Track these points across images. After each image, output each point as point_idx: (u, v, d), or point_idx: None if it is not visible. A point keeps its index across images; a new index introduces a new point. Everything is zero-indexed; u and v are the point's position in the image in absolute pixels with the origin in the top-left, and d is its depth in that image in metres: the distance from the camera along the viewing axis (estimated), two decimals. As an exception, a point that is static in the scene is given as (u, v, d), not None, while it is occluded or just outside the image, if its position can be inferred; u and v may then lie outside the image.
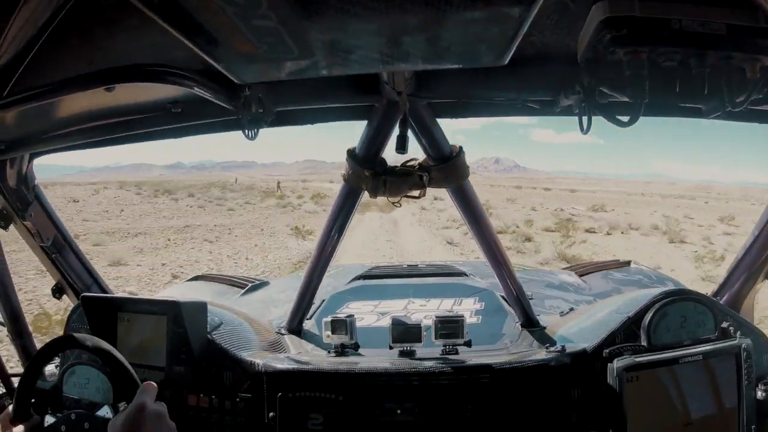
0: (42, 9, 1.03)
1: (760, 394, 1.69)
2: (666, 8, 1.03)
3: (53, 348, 1.51)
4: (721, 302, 1.99)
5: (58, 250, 2.14)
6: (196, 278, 3.27)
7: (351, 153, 1.70)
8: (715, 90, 1.17)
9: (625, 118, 1.23)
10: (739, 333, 1.74)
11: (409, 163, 1.69)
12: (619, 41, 1.04)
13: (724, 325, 1.74)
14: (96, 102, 1.57)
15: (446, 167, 1.68)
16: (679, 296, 1.74)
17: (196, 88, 1.35)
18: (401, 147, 1.54)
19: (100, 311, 1.84)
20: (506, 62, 1.08)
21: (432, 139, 1.64)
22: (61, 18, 0.99)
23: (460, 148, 1.70)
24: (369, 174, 1.66)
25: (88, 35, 1.18)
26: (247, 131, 1.55)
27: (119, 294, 2.21)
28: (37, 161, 1.98)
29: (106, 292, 2.29)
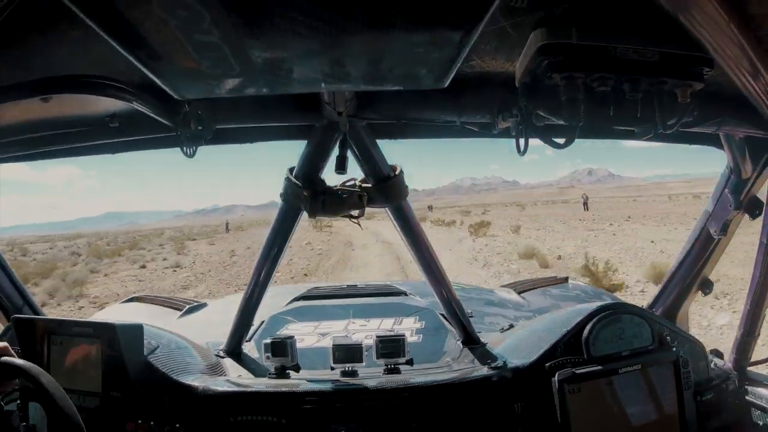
0: None
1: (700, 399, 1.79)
2: (602, 36, 1.08)
3: None
4: (657, 313, 2.09)
5: None
6: (131, 299, 3.11)
7: (290, 172, 1.69)
8: (647, 113, 1.23)
9: (561, 140, 1.28)
10: (675, 342, 1.83)
11: (348, 183, 1.69)
12: (556, 67, 1.08)
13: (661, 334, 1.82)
14: (30, 113, 1.49)
15: (385, 187, 1.69)
16: (616, 309, 1.80)
17: (134, 103, 1.31)
18: (341, 167, 1.55)
19: (32, 334, 1.73)
20: (446, 85, 1.10)
21: (371, 160, 1.66)
22: None
23: (400, 168, 1.72)
24: (307, 194, 1.64)
25: (25, 42, 1.12)
26: (185, 148, 1.51)
27: (51, 316, 2.08)
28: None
29: (38, 315, 2.15)
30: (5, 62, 1.18)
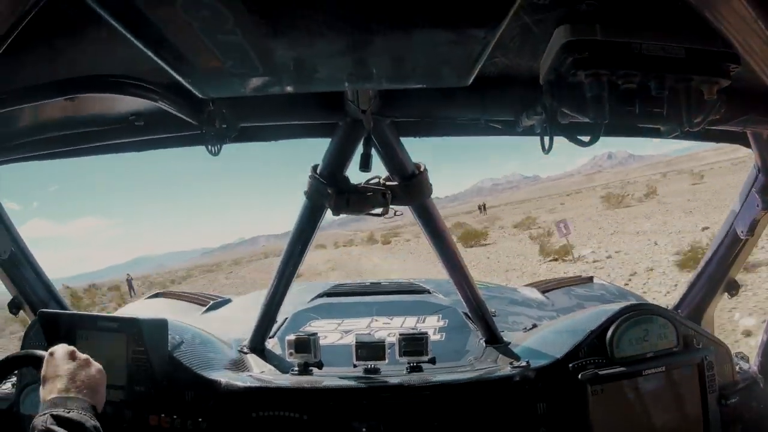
0: (4, 15, 1.00)
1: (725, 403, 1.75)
2: (627, 32, 1.06)
3: (8, 365, 1.44)
4: (682, 315, 2.05)
5: (16, 265, 2.06)
6: (156, 295, 3.16)
7: (314, 170, 1.69)
8: (673, 111, 1.21)
9: (586, 138, 1.26)
10: (701, 344, 1.79)
11: (372, 181, 1.69)
12: (581, 64, 1.07)
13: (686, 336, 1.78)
14: (56, 112, 1.52)
15: (409, 185, 1.69)
16: (641, 310, 1.78)
17: (159, 102, 1.32)
18: (365, 165, 1.54)
19: (58, 328, 1.77)
20: (470, 83, 1.10)
21: (395, 158, 1.65)
22: (25, 25, 0.97)
23: (424, 166, 1.72)
24: (332, 191, 1.65)
25: (52, 44, 1.15)
26: (210, 147, 1.53)
27: (78, 311, 2.13)
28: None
29: (65, 309, 2.20)
30: (32, 63, 1.20)
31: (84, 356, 1.35)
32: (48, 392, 1.23)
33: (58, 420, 1.13)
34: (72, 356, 1.32)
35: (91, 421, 1.17)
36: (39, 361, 1.36)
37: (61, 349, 1.33)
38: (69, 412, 1.16)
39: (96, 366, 1.35)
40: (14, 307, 2.18)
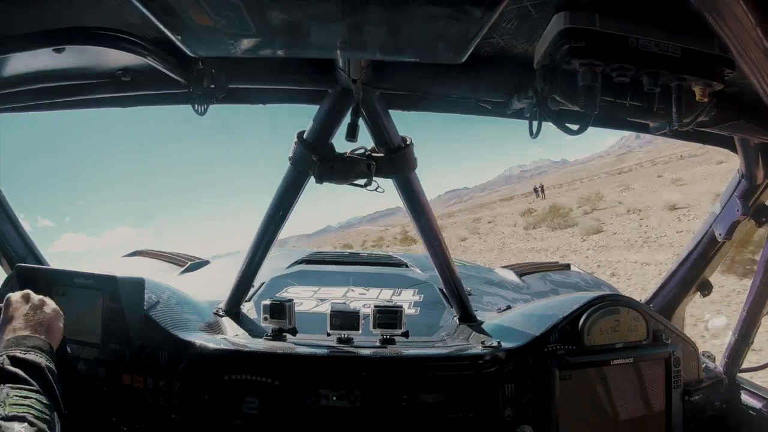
0: None
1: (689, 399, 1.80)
2: (625, 26, 1.07)
3: None
4: (654, 309, 2.10)
5: None
6: (135, 253, 3.13)
7: (300, 136, 1.68)
8: (663, 108, 1.22)
9: (574, 127, 1.27)
10: (669, 340, 1.84)
11: (357, 152, 1.68)
12: (576, 53, 1.07)
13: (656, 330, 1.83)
14: (43, 63, 1.48)
15: (394, 158, 1.69)
16: (614, 301, 1.81)
17: (147, 58, 1.30)
18: (351, 135, 1.53)
19: (35, 283, 1.75)
20: (463, 61, 1.09)
21: (383, 129, 1.64)
22: None
23: (410, 139, 1.71)
24: (316, 159, 1.64)
25: None
26: (196, 106, 1.51)
27: (55, 266, 2.11)
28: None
29: (42, 264, 2.18)
30: (20, 12, 1.17)
31: (38, 297, 1.37)
32: (6, 335, 1.25)
33: (14, 361, 1.15)
34: (26, 298, 1.35)
35: (45, 362, 1.20)
36: None
37: (16, 294, 1.36)
38: (26, 354, 1.18)
39: (51, 305, 1.38)
40: None
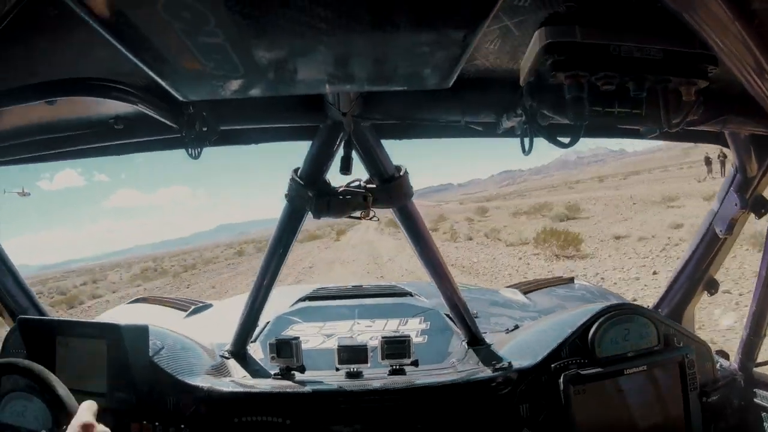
0: None
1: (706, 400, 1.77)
2: (605, 35, 1.08)
3: None
4: (662, 314, 2.08)
5: None
6: (137, 300, 3.13)
7: (295, 173, 1.69)
8: (652, 112, 1.22)
9: (566, 140, 1.28)
10: (681, 343, 1.82)
11: (353, 184, 1.69)
12: (560, 66, 1.08)
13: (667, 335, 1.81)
14: (35, 115, 1.50)
15: (390, 187, 1.69)
16: (622, 310, 1.80)
17: (139, 105, 1.31)
18: (346, 168, 1.54)
19: (38, 335, 1.74)
20: (450, 85, 1.10)
21: (376, 160, 1.66)
22: (3, 27, 0.95)
23: (405, 169, 1.72)
24: (312, 195, 1.65)
25: (30, 45, 1.13)
26: (190, 150, 1.52)
27: (57, 317, 2.09)
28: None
29: (44, 315, 2.16)
30: (10, 65, 1.18)
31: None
32: None
33: None
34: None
35: None
36: (20, 369, 1.33)
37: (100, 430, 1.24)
38: None
39: None
40: None
